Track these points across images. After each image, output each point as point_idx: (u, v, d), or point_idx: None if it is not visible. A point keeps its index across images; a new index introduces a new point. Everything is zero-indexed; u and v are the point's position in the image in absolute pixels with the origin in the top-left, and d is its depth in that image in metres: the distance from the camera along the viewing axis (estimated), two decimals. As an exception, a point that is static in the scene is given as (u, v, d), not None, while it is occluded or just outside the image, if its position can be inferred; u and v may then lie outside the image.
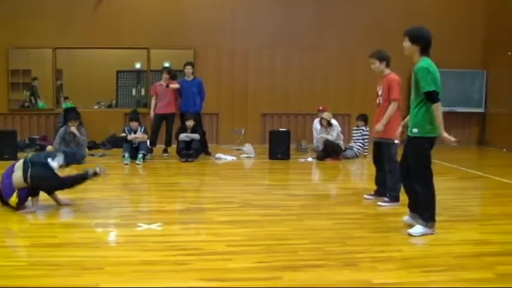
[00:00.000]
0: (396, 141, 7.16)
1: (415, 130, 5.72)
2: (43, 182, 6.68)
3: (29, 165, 6.55)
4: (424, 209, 5.79)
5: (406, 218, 6.13)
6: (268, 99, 15.42)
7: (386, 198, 7.29)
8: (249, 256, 4.95)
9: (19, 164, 6.65)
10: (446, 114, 5.91)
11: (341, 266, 4.69)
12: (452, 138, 5.58)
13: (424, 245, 5.50)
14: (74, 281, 4.32)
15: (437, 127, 5.60)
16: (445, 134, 5.59)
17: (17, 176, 6.52)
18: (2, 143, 11.61)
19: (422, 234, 5.70)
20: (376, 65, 7.28)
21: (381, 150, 7.41)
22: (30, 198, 6.66)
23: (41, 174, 6.59)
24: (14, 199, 6.45)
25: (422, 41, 5.70)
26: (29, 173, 6.49)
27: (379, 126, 7.21)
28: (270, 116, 15.57)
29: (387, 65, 7.33)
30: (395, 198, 7.20)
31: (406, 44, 5.78)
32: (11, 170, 6.63)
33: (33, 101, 15.47)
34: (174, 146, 12.51)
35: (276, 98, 15.42)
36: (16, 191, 6.47)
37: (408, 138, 5.88)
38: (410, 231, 5.75)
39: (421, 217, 5.79)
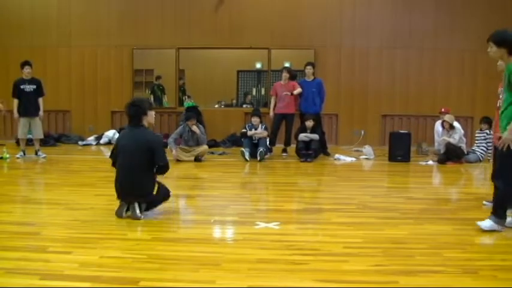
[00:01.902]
0: None
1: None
2: None
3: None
4: (498, 205, 5.92)
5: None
6: (388, 101, 15.23)
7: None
8: (365, 259, 4.91)
9: None
10: None
11: (460, 273, 4.55)
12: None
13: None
14: (191, 276, 4.44)
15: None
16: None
17: None
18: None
19: (492, 230, 5.87)
20: (494, 49, 6.58)
21: None
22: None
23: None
24: None
25: (507, 43, 5.77)
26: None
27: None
28: (390, 118, 15.36)
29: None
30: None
31: (492, 49, 5.88)
32: None
33: (161, 99, 16.09)
34: (293, 146, 12.61)
35: (395, 99, 15.21)
36: None
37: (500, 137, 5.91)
38: (480, 223, 5.94)
39: (494, 213, 5.92)
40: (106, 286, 4.18)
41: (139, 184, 6.30)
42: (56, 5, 15.86)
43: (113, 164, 6.57)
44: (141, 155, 6.29)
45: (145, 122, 6.51)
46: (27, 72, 11.90)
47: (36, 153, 12.02)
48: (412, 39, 15.11)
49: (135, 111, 6.45)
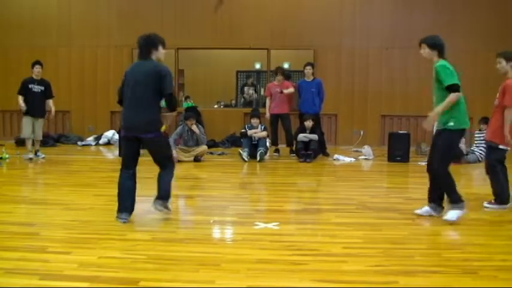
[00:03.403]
0: (502, 147, 7.12)
1: (450, 124, 6.21)
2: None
3: None
4: (448, 192, 6.33)
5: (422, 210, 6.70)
6: (388, 101, 15.24)
7: (492, 201, 7.11)
8: (364, 259, 4.91)
9: None
10: None
11: (460, 274, 4.54)
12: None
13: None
14: (191, 276, 4.44)
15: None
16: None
17: None
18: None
19: (459, 216, 6.19)
20: (503, 64, 7.12)
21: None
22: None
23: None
24: None
25: (438, 47, 6.58)
26: None
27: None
28: (389, 118, 15.36)
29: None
30: (502, 202, 7.12)
31: (425, 50, 6.69)
32: None
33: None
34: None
35: (395, 99, 15.22)
36: None
37: (438, 131, 6.42)
38: (447, 217, 6.23)
39: (450, 201, 6.29)
40: (105, 286, 4.18)
41: (146, 117, 6.23)
42: (56, 5, 15.87)
43: (119, 102, 6.45)
44: (148, 85, 6.23)
45: (154, 57, 6.51)
46: (37, 71, 11.88)
47: (35, 154, 12.01)
48: (412, 39, 14.98)
49: (146, 42, 6.50)
